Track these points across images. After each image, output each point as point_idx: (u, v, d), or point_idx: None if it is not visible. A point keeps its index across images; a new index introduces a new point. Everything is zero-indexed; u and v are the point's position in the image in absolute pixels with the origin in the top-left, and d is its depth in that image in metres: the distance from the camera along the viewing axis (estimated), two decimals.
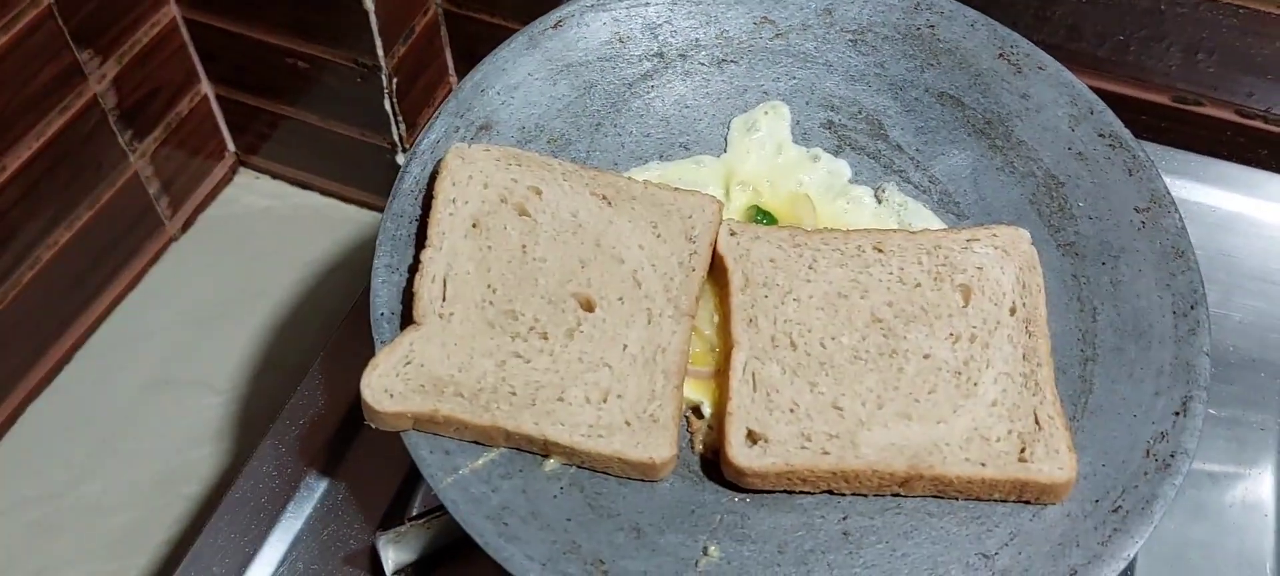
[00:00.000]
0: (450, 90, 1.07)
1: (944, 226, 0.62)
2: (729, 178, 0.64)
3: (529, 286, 0.56)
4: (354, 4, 0.89)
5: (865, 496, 0.53)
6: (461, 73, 1.05)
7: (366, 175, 1.08)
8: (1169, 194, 0.60)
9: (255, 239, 1.10)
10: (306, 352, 1.00)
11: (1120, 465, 0.52)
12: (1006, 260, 0.58)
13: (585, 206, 0.58)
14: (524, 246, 0.57)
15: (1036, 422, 0.53)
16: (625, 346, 0.55)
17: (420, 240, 0.57)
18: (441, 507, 0.56)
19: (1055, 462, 0.51)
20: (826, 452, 0.52)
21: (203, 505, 0.90)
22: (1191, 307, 0.56)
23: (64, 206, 0.93)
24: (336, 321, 1.02)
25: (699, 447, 0.55)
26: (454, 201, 0.57)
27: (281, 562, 0.58)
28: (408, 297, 0.55)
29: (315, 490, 0.60)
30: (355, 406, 0.63)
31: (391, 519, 0.59)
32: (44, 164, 0.89)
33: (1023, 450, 0.52)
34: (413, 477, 0.61)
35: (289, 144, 1.09)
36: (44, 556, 0.87)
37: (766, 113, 0.66)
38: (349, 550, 0.58)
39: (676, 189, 0.61)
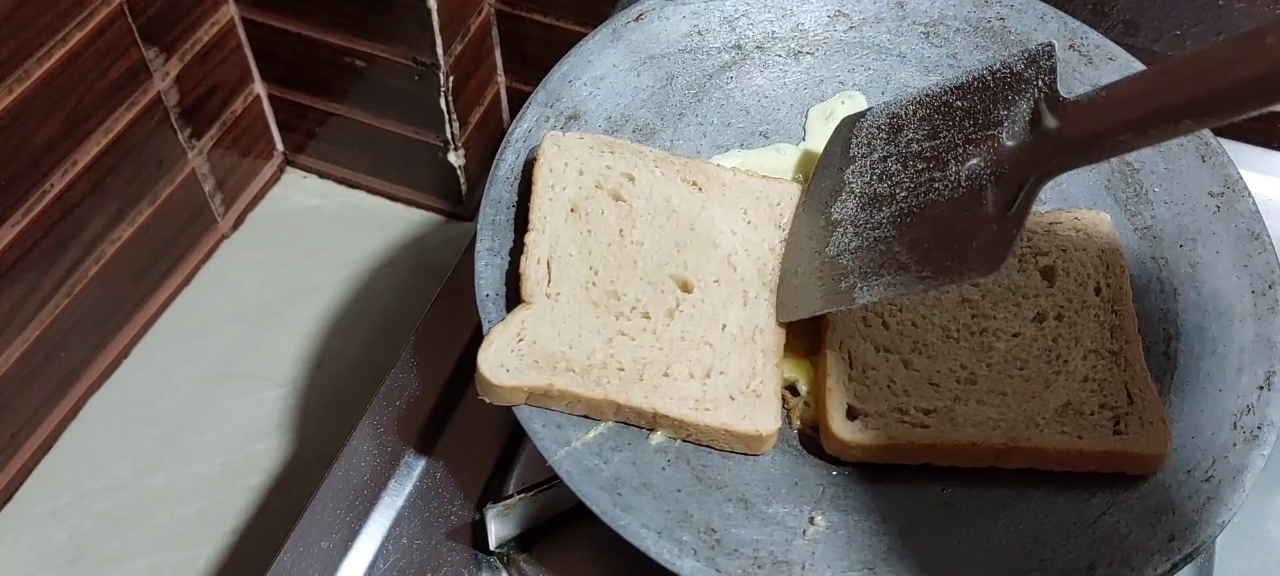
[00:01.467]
0: (500, 90, 1.09)
1: None
2: (809, 164, 0.66)
3: (629, 269, 0.57)
4: (417, 2, 0.90)
5: (961, 470, 0.54)
6: (510, 72, 1.07)
7: (417, 173, 1.09)
8: (1241, 179, 0.62)
9: (305, 237, 1.11)
10: (363, 348, 1.02)
11: (1209, 437, 0.54)
12: (1089, 242, 0.59)
13: (677, 192, 0.60)
14: (621, 230, 0.59)
15: (1129, 397, 0.54)
16: (724, 326, 0.56)
17: (518, 225, 0.59)
18: (544, 482, 0.58)
19: (1150, 434, 0.53)
20: (925, 425, 0.54)
21: (269, 495, 0.91)
22: (1270, 287, 0.58)
23: (127, 202, 0.94)
24: (391, 317, 1.04)
25: (797, 423, 0.57)
26: (552, 187, 0.59)
27: (386, 538, 0.59)
28: (511, 279, 0.57)
29: (414, 468, 0.61)
30: (449, 386, 0.65)
31: (489, 495, 0.61)
32: (110, 160, 0.90)
33: (1117, 422, 0.53)
34: (508, 455, 0.63)
35: (337, 143, 1.11)
36: (112, 546, 0.88)
37: (843, 102, 0.68)
38: (450, 526, 0.59)
39: (764, 177, 0.62)
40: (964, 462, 0.54)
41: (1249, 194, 0.61)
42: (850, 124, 0.62)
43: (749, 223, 0.60)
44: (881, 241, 0.54)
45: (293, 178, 1.16)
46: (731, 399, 0.54)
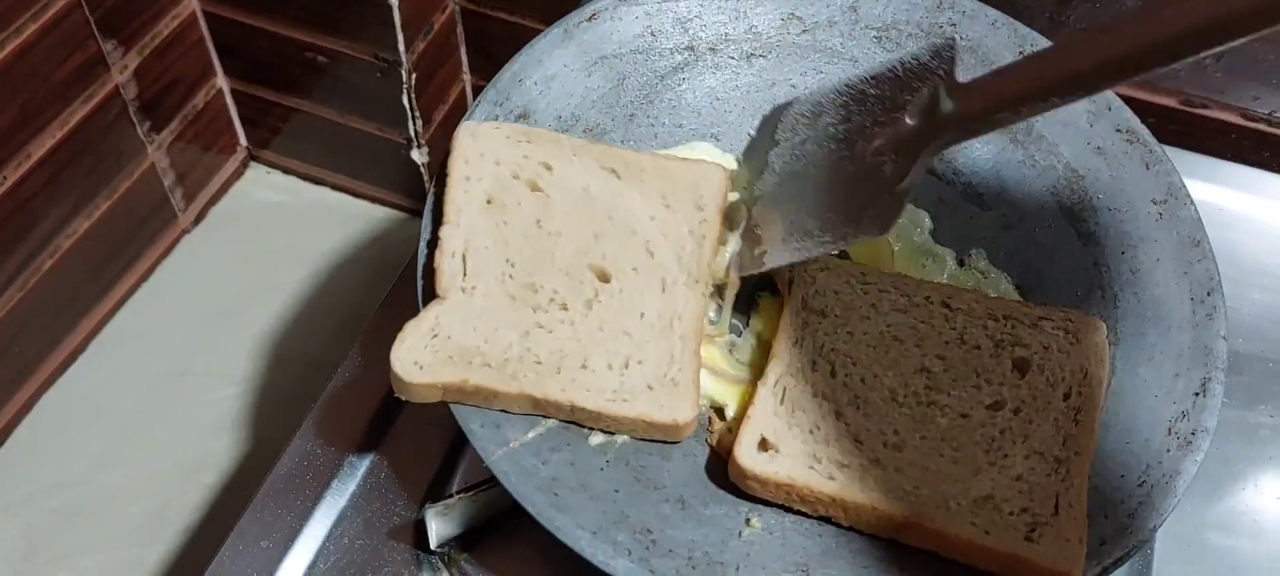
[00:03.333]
0: (464, 88, 1.08)
1: (1019, 299, 0.62)
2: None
3: (546, 260, 0.57)
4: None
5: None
6: (475, 70, 1.07)
7: (380, 170, 1.09)
8: (1184, 187, 0.62)
9: (267, 233, 1.11)
10: (322, 346, 1.01)
11: (1144, 443, 0.54)
12: (1074, 347, 0.57)
13: (596, 181, 0.60)
14: (538, 221, 0.58)
15: (1055, 508, 0.51)
16: (642, 315, 0.56)
17: (437, 219, 0.59)
18: (485, 482, 0.58)
19: (1063, 551, 0.50)
20: (832, 478, 0.52)
21: (223, 493, 0.91)
22: (1208, 294, 0.58)
23: (84, 196, 0.94)
24: (352, 315, 1.04)
25: (713, 443, 0.56)
26: (468, 178, 0.59)
27: (327, 537, 0.59)
28: (428, 273, 0.57)
29: (358, 468, 0.61)
30: None
31: (433, 495, 0.61)
32: (67, 153, 0.90)
33: (1033, 530, 0.51)
34: (453, 455, 0.62)
35: (301, 138, 1.10)
36: (65, 543, 0.87)
37: None
38: (393, 525, 0.59)
39: (684, 159, 0.63)
40: (863, 526, 0.52)
41: (1191, 202, 0.62)
42: (780, 110, 0.65)
43: (668, 207, 0.60)
44: (793, 212, 0.58)
45: (257, 173, 1.15)
46: (649, 388, 0.54)
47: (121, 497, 0.90)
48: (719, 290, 0.60)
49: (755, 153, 0.65)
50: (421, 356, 0.52)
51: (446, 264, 0.56)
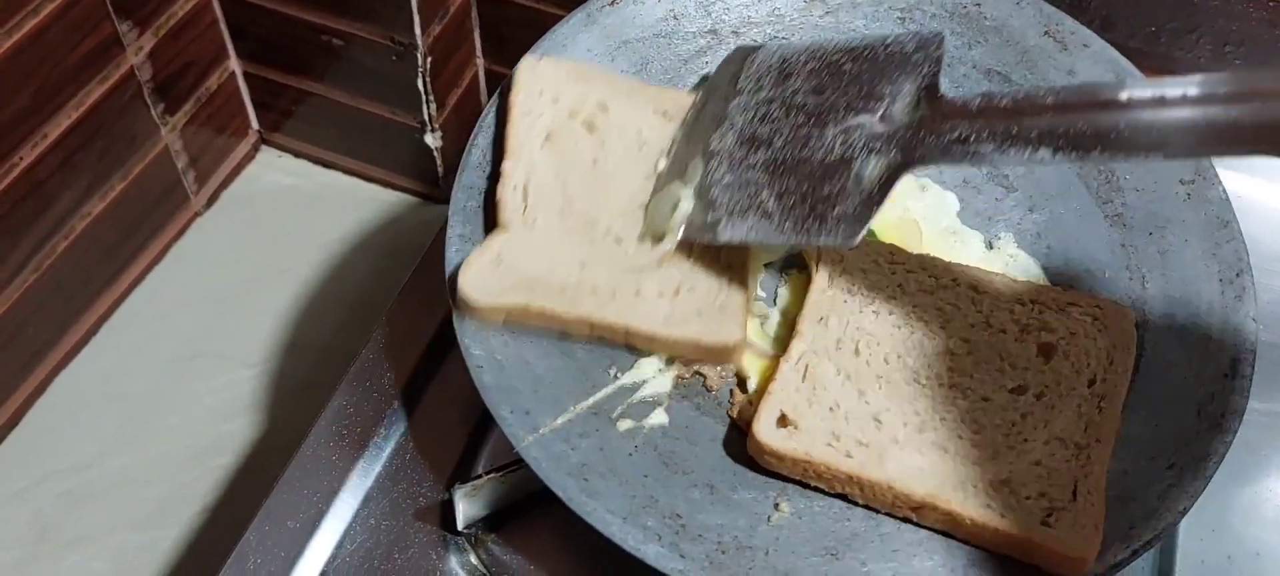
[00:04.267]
0: (479, 72, 1.08)
1: (1047, 284, 0.61)
2: None
3: (602, 197, 0.59)
4: None
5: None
6: (489, 55, 1.06)
7: (393, 154, 1.08)
8: (1212, 167, 0.62)
9: (279, 216, 1.10)
10: (335, 330, 1.01)
11: (1173, 424, 0.54)
12: (1101, 333, 0.56)
13: (648, 123, 0.62)
14: (595, 160, 0.60)
15: (1073, 495, 0.51)
16: (693, 248, 0.58)
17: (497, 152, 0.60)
18: (512, 464, 0.58)
19: (1078, 536, 0.49)
20: (850, 455, 0.52)
21: (235, 477, 0.91)
22: (1237, 275, 0.58)
23: (98, 178, 0.93)
24: (363, 300, 1.04)
25: (733, 414, 0.56)
26: (529, 114, 0.61)
27: (354, 518, 0.59)
28: (489, 204, 0.59)
29: (384, 449, 0.61)
30: (420, 368, 0.65)
31: (458, 476, 0.60)
32: (81, 135, 0.89)
33: (1049, 515, 0.50)
34: (478, 436, 0.62)
35: (314, 122, 1.10)
36: (77, 527, 0.87)
37: None
38: (419, 506, 0.59)
39: None
40: (879, 504, 0.52)
41: (1219, 182, 0.61)
42: (743, 55, 0.62)
43: None
44: (751, 183, 0.55)
45: (268, 156, 1.15)
46: (699, 314, 0.56)
47: (134, 481, 0.90)
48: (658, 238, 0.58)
49: (714, 96, 0.61)
50: (487, 283, 0.55)
51: (509, 196, 0.58)
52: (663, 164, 0.60)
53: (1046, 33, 0.67)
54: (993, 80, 0.67)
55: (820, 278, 0.58)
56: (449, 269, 0.56)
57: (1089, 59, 0.66)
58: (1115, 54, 0.66)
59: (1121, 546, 0.51)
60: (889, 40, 0.55)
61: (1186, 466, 0.53)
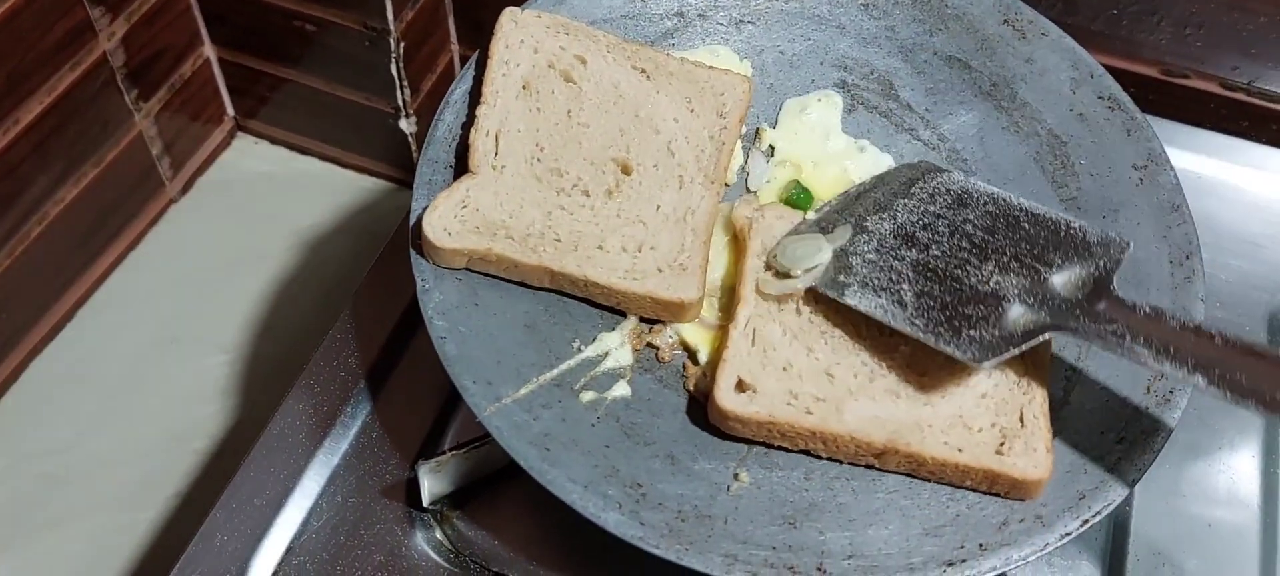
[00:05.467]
0: (453, 57, 1.09)
1: None
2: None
3: (573, 148, 0.60)
4: None
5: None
6: (464, 40, 1.07)
7: (368, 140, 1.09)
8: (1165, 153, 0.63)
9: (255, 203, 1.10)
10: (310, 315, 1.02)
11: (1123, 401, 0.56)
12: None
13: (626, 78, 0.63)
14: (569, 111, 0.61)
15: (1021, 420, 0.54)
16: (659, 207, 0.59)
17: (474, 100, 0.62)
18: (476, 440, 0.59)
19: (1031, 460, 0.52)
20: (810, 412, 0.54)
21: (211, 460, 0.91)
22: (1187, 257, 0.60)
23: (71, 163, 0.93)
24: (339, 285, 1.04)
25: (690, 387, 0.57)
26: (506, 63, 0.62)
27: (320, 495, 0.59)
28: (461, 152, 0.60)
29: (351, 427, 0.62)
30: (388, 348, 0.65)
31: (425, 454, 0.61)
32: (54, 120, 0.90)
33: (1002, 443, 0.53)
34: (444, 416, 0.63)
35: (289, 108, 1.10)
36: (54, 508, 0.88)
37: (820, 99, 0.68)
38: (385, 483, 0.60)
39: (710, 67, 0.65)
40: (842, 456, 0.54)
41: (1171, 167, 0.63)
42: (924, 171, 0.63)
43: (692, 111, 0.63)
44: (895, 270, 0.57)
45: (244, 143, 1.15)
46: (659, 271, 0.57)
47: (110, 464, 0.91)
48: (783, 275, 0.59)
49: (883, 186, 0.63)
50: (451, 224, 0.56)
51: (480, 142, 0.59)
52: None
53: (1006, 21, 0.68)
54: (953, 67, 0.68)
55: (754, 244, 0.60)
56: (413, 218, 0.57)
57: (1046, 47, 0.67)
58: (1073, 43, 0.67)
59: (1072, 515, 0.52)
60: (1075, 224, 0.57)
61: (1135, 441, 0.54)
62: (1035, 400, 0.55)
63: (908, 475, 0.54)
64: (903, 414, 0.54)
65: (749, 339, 0.56)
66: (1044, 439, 0.53)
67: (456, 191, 0.57)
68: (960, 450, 0.53)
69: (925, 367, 0.56)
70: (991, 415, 0.54)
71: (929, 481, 0.54)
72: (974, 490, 0.54)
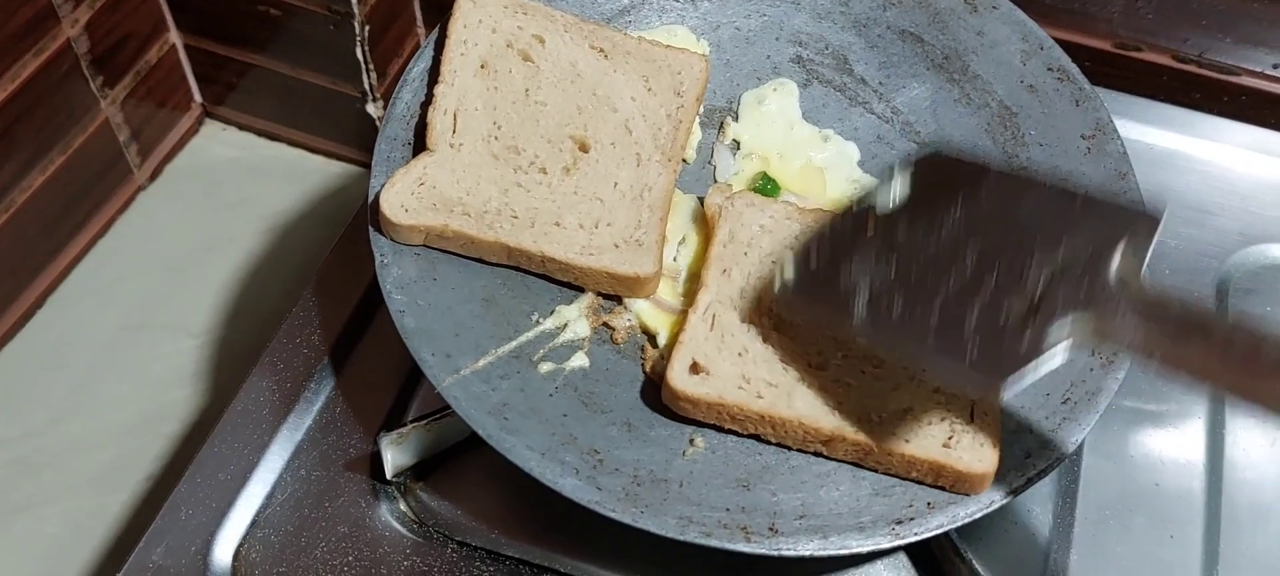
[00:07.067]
0: (419, 41, 1.09)
1: None
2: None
3: (531, 126, 0.61)
4: None
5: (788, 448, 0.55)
6: (430, 23, 1.07)
7: (335, 124, 1.09)
8: (1112, 122, 0.65)
9: (224, 189, 1.11)
10: (280, 299, 1.02)
11: (1068, 363, 0.56)
12: None
13: (583, 57, 0.64)
14: (527, 90, 0.62)
15: (971, 417, 0.55)
16: (616, 184, 0.60)
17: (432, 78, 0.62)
18: (437, 412, 0.59)
19: (977, 455, 0.53)
20: (760, 397, 0.54)
21: (183, 443, 0.92)
22: None
23: (37, 151, 0.93)
24: (307, 269, 1.04)
25: (648, 369, 0.58)
26: (465, 43, 0.62)
27: (284, 469, 0.60)
28: (420, 130, 0.61)
29: (314, 403, 0.63)
30: (350, 325, 0.66)
31: (388, 428, 0.62)
32: (18, 107, 0.89)
33: (950, 438, 0.54)
34: (407, 391, 0.64)
35: (256, 94, 1.10)
36: (26, 492, 0.88)
37: (775, 89, 0.69)
38: (349, 457, 0.61)
39: (668, 46, 0.66)
40: (790, 442, 0.55)
41: (1119, 137, 0.64)
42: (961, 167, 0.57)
43: (650, 90, 0.63)
44: (917, 305, 0.51)
45: (212, 129, 1.15)
46: (616, 246, 0.58)
47: (82, 448, 0.91)
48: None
49: (931, 203, 0.54)
50: (408, 201, 0.56)
51: (438, 120, 0.59)
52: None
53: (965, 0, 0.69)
54: (906, 40, 0.69)
55: (722, 232, 0.60)
56: (372, 195, 0.58)
57: (997, 20, 0.68)
58: (1023, 16, 0.68)
59: (1017, 474, 0.53)
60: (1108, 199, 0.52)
61: (1080, 402, 0.55)
62: (988, 398, 0.55)
63: (855, 464, 0.54)
64: (853, 404, 0.54)
65: (708, 323, 0.57)
66: (993, 436, 0.54)
67: (414, 169, 0.58)
68: (907, 442, 0.53)
69: (880, 361, 0.56)
70: (942, 410, 0.55)
71: (875, 471, 0.54)
72: (919, 482, 0.54)
